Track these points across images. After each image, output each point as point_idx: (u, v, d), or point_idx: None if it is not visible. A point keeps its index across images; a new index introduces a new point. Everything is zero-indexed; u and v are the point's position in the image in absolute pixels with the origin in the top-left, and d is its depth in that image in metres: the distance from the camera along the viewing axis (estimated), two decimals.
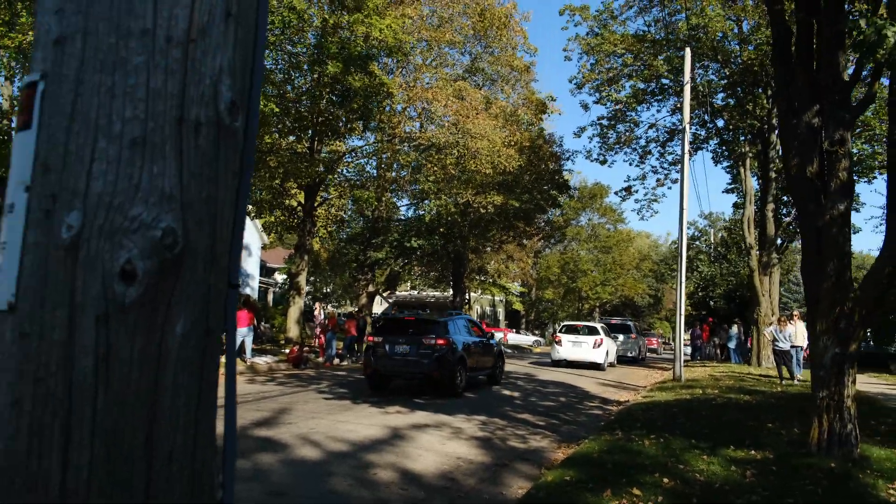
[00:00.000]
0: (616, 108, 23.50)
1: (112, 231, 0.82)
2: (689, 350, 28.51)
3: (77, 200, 0.82)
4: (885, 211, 6.48)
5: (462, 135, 20.98)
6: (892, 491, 5.54)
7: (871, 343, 30.44)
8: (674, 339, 19.93)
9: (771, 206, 20.53)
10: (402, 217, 30.26)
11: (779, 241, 21.58)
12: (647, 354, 33.60)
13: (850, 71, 7.09)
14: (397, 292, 49.67)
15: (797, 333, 15.85)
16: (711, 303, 36.09)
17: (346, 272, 38.58)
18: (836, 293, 6.20)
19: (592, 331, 22.90)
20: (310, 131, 18.42)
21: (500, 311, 58.70)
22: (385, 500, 5.97)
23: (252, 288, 43.36)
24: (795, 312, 17.53)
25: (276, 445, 7.86)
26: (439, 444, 8.46)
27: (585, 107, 25.98)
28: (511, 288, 55.24)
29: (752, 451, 6.92)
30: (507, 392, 14.31)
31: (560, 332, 23.89)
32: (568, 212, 49.88)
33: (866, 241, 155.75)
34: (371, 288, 28.31)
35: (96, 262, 0.82)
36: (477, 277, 46.20)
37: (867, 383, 17.50)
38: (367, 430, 9.05)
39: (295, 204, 26.45)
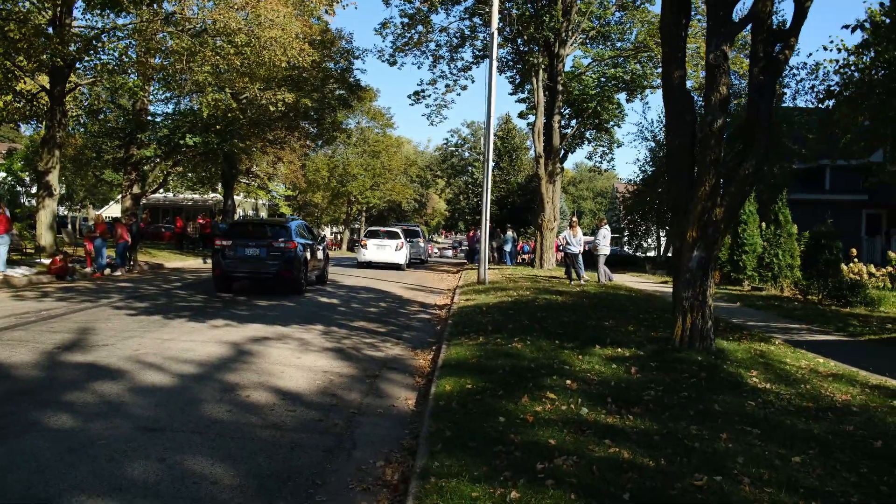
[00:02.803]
0: (418, 5, 22.78)
1: None
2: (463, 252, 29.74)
3: None
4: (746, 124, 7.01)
5: (251, 21, 18.93)
6: (753, 379, 6.25)
7: (624, 249, 34.70)
8: (477, 244, 20.87)
9: (557, 118, 21.82)
10: (173, 110, 26.97)
11: (561, 152, 23.15)
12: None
13: None
14: (148, 195, 45.44)
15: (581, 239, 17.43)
16: None
17: (89, 171, 33.77)
18: (708, 201, 6.67)
19: (394, 235, 24.36)
20: None
21: (264, 214, 56.54)
22: (279, 425, 5.38)
23: None
24: (574, 220, 19.15)
25: (110, 372, 6.67)
26: (294, 358, 7.86)
27: (386, 1, 24.86)
28: (278, 191, 53.13)
29: (619, 349, 7.37)
30: (324, 299, 13.79)
31: (365, 236, 25.35)
32: (338, 114, 48.40)
33: (629, 155, 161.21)
34: (136, 189, 25.29)
35: None
36: (243, 180, 43.44)
37: (639, 282, 19.85)
38: (204, 347, 8.10)
39: (35, 88, 22.19)
